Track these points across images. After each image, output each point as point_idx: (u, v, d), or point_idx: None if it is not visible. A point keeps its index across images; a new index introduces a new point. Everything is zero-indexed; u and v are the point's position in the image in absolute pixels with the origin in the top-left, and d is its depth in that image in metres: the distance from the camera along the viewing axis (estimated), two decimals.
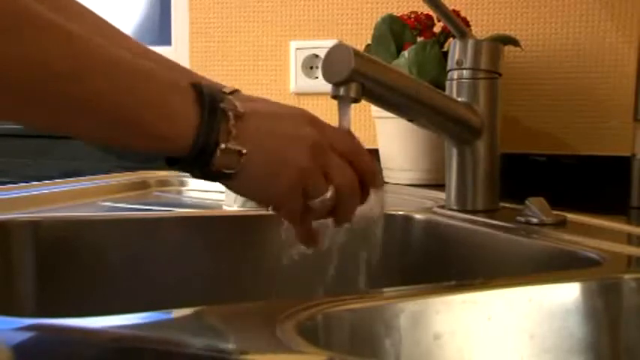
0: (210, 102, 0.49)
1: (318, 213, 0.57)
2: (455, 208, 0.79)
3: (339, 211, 0.57)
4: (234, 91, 0.53)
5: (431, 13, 1.03)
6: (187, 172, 0.52)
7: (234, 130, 0.50)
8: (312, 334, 0.40)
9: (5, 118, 0.44)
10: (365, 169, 0.58)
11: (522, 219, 0.70)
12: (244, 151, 0.50)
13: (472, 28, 1.10)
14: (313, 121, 0.55)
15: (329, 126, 0.57)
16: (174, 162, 0.51)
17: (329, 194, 0.55)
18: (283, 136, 0.52)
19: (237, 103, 0.51)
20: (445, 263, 0.75)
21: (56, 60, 0.42)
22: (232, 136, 0.50)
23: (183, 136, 0.48)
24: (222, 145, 0.49)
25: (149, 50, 0.66)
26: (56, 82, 0.42)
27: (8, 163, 1.37)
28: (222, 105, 0.50)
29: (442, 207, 0.81)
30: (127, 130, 0.47)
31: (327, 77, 0.65)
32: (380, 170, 0.60)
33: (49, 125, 0.46)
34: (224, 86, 0.53)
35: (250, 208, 0.91)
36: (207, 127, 0.49)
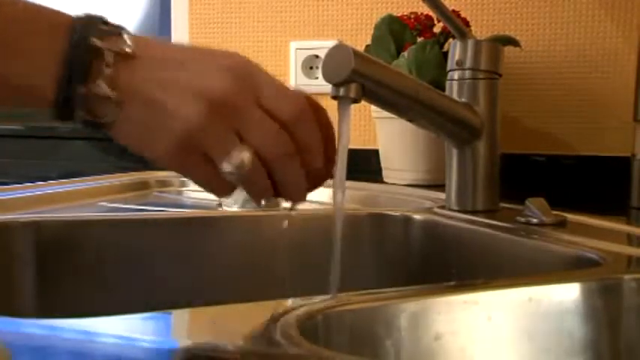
0: (81, 36, 0.43)
1: (238, 181, 0.47)
2: (455, 208, 0.79)
3: (276, 184, 0.48)
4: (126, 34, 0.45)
5: (431, 13, 1.03)
6: (61, 120, 0.45)
7: (107, 71, 0.43)
8: (312, 334, 0.40)
9: None
10: (301, 147, 0.47)
11: (522, 219, 0.70)
12: (114, 96, 0.43)
13: (472, 28, 1.10)
14: (241, 73, 0.46)
15: (268, 80, 0.47)
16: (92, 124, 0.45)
17: (244, 157, 0.45)
18: (175, 86, 0.44)
19: (127, 44, 0.44)
20: (445, 264, 0.75)
21: None
22: (102, 78, 0.43)
23: (42, 77, 0.42)
24: (83, 88, 0.43)
25: None
26: None
27: (8, 163, 1.37)
28: (94, 42, 0.43)
29: (442, 207, 0.81)
30: None
31: (327, 77, 0.65)
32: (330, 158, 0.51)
33: None
34: (123, 28, 0.45)
35: (250, 209, 0.91)
36: (67, 66, 0.42)
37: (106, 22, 0.45)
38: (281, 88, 0.47)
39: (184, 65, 0.45)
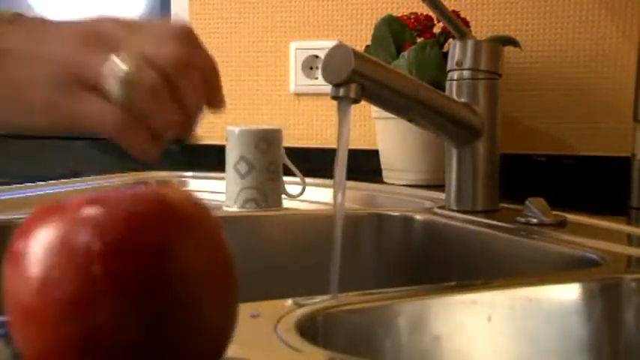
0: None
1: (125, 100, 0.42)
2: (455, 208, 0.79)
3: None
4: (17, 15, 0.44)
5: (431, 13, 1.03)
6: None
7: None
8: (312, 334, 0.40)
9: None
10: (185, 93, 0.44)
11: (522, 219, 0.70)
12: None
13: (472, 28, 1.10)
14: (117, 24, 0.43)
15: (148, 28, 0.44)
16: None
17: (119, 62, 0.41)
18: (39, 40, 0.43)
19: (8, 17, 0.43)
20: (445, 264, 0.75)
21: None
22: None
23: None
24: None
25: None
26: None
27: (8, 163, 1.37)
28: None
29: (442, 207, 0.81)
30: None
31: (327, 78, 0.65)
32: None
33: None
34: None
35: (250, 209, 0.91)
36: None
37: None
38: (160, 31, 0.44)
39: (51, 31, 0.43)
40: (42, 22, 0.44)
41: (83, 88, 0.42)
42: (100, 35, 0.42)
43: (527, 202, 0.71)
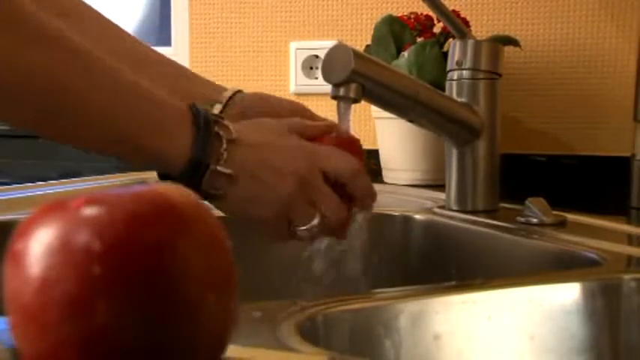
0: (205, 125, 0.51)
1: (304, 238, 0.59)
2: (455, 208, 0.79)
3: (325, 233, 0.60)
4: (237, 92, 0.56)
5: (431, 13, 1.03)
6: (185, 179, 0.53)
7: (225, 154, 0.52)
8: (312, 335, 0.40)
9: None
10: (357, 196, 0.60)
11: (522, 219, 0.70)
12: (232, 174, 0.53)
13: (472, 28, 1.10)
14: (308, 150, 0.57)
15: (326, 154, 0.58)
16: (167, 177, 0.53)
17: (315, 222, 0.57)
18: (271, 166, 0.55)
19: (231, 127, 0.53)
20: (445, 264, 0.75)
21: (58, 76, 0.44)
22: (223, 160, 0.52)
23: (177, 155, 0.51)
24: (213, 167, 0.52)
25: (150, 52, 0.66)
26: (58, 96, 0.45)
27: (8, 163, 1.37)
28: (216, 129, 0.52)
29: (442, 207, 0.81)
30: (123, 145, 0.50)
31: (326, 78, 0.65)
32: (374, 193, 0.63)
33: (51, 135, 0.49)
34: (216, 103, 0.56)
35: None
36: (200, 150, 0.51)
37: (210, 106, 0.55)
38: (334, 155, 0.58)
39: (272, 147, 0.55)
40: (260, 142, 0.55)
41: (286, 218, 0.57)
42: (308, 184, 0.56)
43: (527, 202, 0.71)
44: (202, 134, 0.51)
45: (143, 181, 1.12)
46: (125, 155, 0.51)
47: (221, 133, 0.52)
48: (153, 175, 1.14)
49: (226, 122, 0.53)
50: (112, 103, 0.47)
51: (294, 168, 0.55)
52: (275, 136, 0.57)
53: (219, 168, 0.52)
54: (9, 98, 0.44)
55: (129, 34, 0.66)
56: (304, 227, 0.57)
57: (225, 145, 0.52)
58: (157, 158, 0.51)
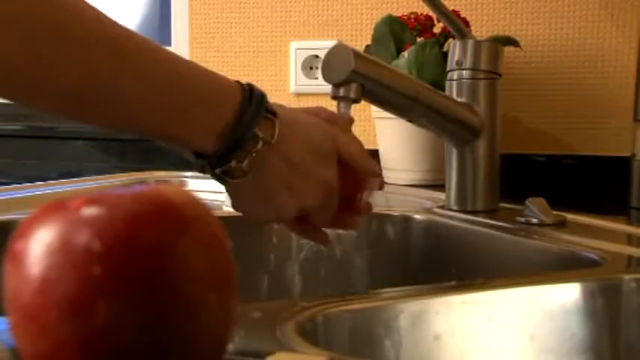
0: (245, 126, 0.51)
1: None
2: (455, 208, 0.79)
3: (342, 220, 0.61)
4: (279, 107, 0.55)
5: (431, 13, 1.03)
6: (205, 164, 0.53)
7: (254, 154, 0.51)
8: (312, 335, 0.40)
9: (62, 116, 0.47)
10: (364, 174, 0.60)
11: (522, 219, 0.70)
12: (251, 172, 0.52)
13: (472, 28, 1.10)
14: (332, 161, 0.57)
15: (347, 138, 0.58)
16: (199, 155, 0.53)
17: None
18: (304, 172, 0.54)
19: (276, 133, 0.52)
20: (445, 264, 0.75)
21: (98, 72, 0.45)
22: (250, 159, 0.51)
23: (203, 139, 0.51)
24: (233, 164, 0.51)
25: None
26: (97, 90, 0.45)
27: (8, 163, 1.37)
28: (257, 132, 0.51)
29: (442, 207, 0.81)
30: (179, 122, 0.50)
31: (326, 78, 0.65)
32: (380, 172, 0.63)
33: (112, 124, 0.50)
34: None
35: None
36: (229, 145, 0.51)
37: (266, 102, 0.53)
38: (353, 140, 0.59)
39: (305, 156, 0.54)
40: (297, 148, 0.54)
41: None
42: (331, 195, 0.57)
43: (527, 202, 0.71)
44: (240, 129, 0.50)
45: (143, 181, 1.12)
46: (174, 133, 0.51)
47: (260, 134, 0.51)
48: (154, 175, 1.14)
49: (277, 121, 0.53)
50: (152, 94, 0.47)
51: (325, 177, 0.55)
52: (314, 138, 0.56)
53: (242, 165, 0.51)
54: (49, 92, 0.45)
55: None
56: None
57: (260, 146, 0.51)
58: (179, 139, 0.51)
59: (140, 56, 0.47)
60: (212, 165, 0.52)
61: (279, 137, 0.52)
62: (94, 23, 0.45)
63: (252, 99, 0.52)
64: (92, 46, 0.44)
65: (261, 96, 0.53)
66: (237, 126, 0.50)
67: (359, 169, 0.59)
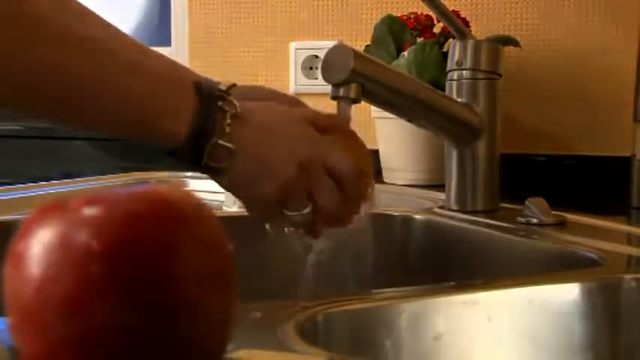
0: (208, 98, 0.52)
1: (294, 224, 0.59)
2: (455, 208, 0.79)
3: (318, 226, 0.60)
4: (232, 86, 0.55)
5: (431, 13, 1.03)
6: (183, 163, 0.54)
7: (227, 129, 0.52)
8: (312, 335, 0.40)
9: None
10: (356, 196, 0.59)
11: (522, 219, 0.70)
12: (232, 148, 0.53)
13: (472, 28, 1.10)
14: (314, 139, 0.57)
15: (330, 145, 0.58)
16: (172, 154, 0.54)
17: (306, 210, 0.57)
18: (274, 147, 0.55)
19: (237, 106, 0.53)
20: (445, 264, 0.75)
21: (75, 66, 0.47)
22: (225, 134, 0.52)
23: (180, 128, 0.51)
24: (214, 140, 0.52)
25: (149, 49, 0.66)
26: (68, 88, 0.47)
27: (8, 163, 1.37)
28: (220, 103, 0.52)
29: (442, 207, 0.81)
30: (130, 126, 0.51)
31: (326, 78, 0.65)
32: (373, 184, 0.62)
33: (61, 122, 0.52)
34: (220, 82, 0.55)
35: None
36: (202, 122, 0.52)
37: (217, 83, 0.54)
38: (336, 150, 0.58)
39: (278, 131, 0.55)
40: (266, 119, 0.56)
41: (280, 201, 0.56)
42: (309, 169, 0.55)
43: (527, 202, 0.71)
44: (205, 107, 0.52)
45: (143, 181, 1.12)
46: (132, 135, 0.52)
47: (225, 107, 0.52)
48: (154, 175, 1.14)
49: (231, 98, 0.53)
50: (118, 88, 0.49)
51: (296, 153, 0.55)
52: (285, 120, 0.57)
53: (220, 141, 0.52)
54: (22, 93, 0.47)
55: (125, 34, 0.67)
56: (297, 213, 0.57)
57: (228, 120, 0.52)
58: (160, 135, 0.52)
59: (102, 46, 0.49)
60: (196, 154, 0.53)
61: (246, 110, 0.54)
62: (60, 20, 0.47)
63: (208, 97, 0.53)
64: (53, 44, 0.46)
65: (217, 96, 0.54)
66: (202, 106, 0.52)
67: (346, 185, 0.58)
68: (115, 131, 0.53)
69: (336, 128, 0.60)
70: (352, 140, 0.60)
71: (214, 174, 0.55)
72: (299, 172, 0.55)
